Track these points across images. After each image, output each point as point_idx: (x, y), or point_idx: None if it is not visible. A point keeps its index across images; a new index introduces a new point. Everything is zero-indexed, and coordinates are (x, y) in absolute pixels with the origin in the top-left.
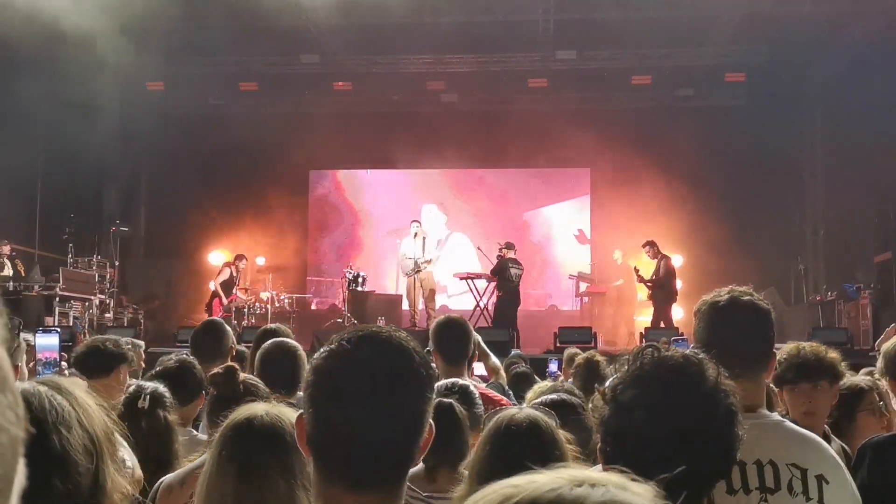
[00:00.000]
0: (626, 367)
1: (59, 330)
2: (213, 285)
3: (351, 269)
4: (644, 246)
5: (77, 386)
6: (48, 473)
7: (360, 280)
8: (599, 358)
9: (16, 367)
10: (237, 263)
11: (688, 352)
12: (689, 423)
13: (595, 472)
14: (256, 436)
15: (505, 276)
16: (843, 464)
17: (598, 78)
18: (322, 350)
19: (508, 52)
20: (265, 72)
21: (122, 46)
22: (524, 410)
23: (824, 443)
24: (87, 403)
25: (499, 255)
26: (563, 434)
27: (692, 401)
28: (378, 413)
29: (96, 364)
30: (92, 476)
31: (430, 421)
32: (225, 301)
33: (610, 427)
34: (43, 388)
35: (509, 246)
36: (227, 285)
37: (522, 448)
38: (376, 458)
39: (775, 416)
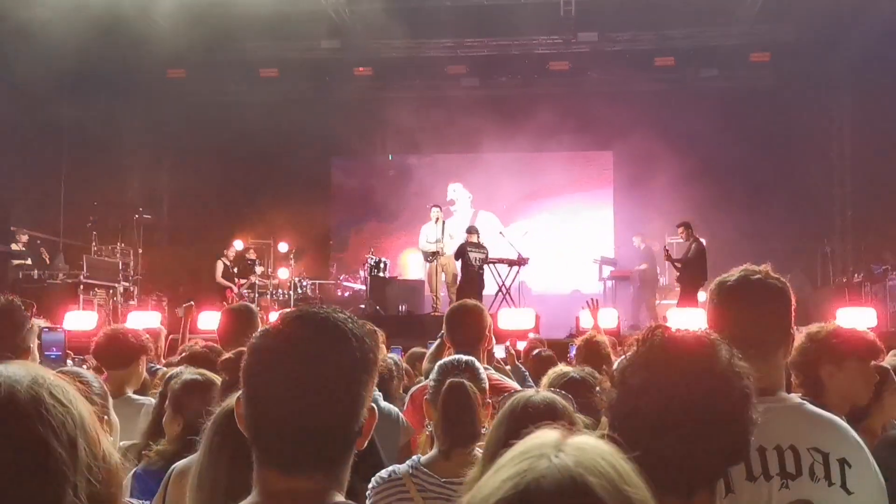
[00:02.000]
0: (636, 348)
1: (63, 330)
2: (218, 281)
3: (372, 254)
4: (678, 227)
5: (53, 375)
6: (26, 462)
7: (381, 266)
8: (600, 338)
9: (28, 349)
10: (227, 253)
11: (699, 332)
12: (701, 406)
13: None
14: None
15: (465, 262)
16: (865, 446)
17: (621, 59)
18: (260, 329)
19: (529, 35)
20: (286, 58)
21: (144, 33)
22: (540, 393)
23: (846, 425)
24: (64, 385)
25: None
26: (580, 417)
27: (704, 383)
28: (308, 394)
29: (116, 356)
30: (71, 455)
31: (373, 405)
32: (235, 290)
33: (618, 411)
34: (15, 368)
35: (471, 230)
36: (228, 276)
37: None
38: (308, 441)
39: (794, 398)
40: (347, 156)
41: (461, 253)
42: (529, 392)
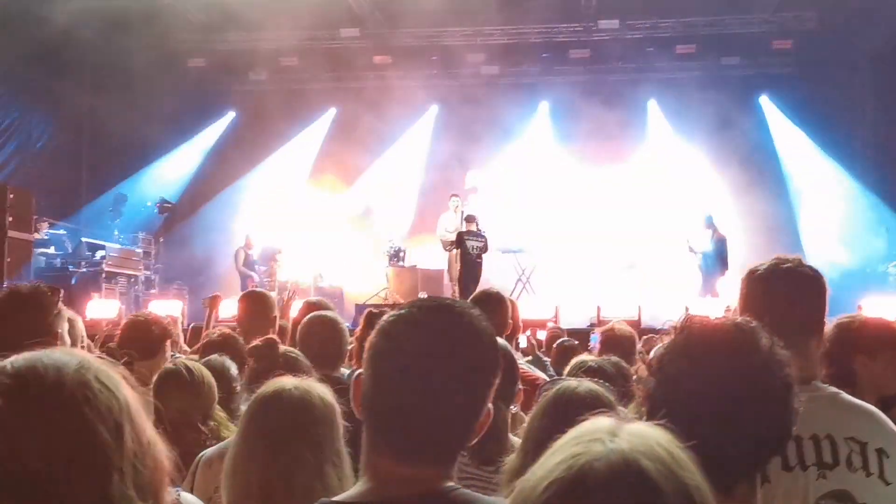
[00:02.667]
0: (673, 336)
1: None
2: (238, 269)
3: (392, 243)
4: (701, 218)
5: (96, 359)
6: (74, 431)
7: (400, 255)
8: (623, 328)
9: (57, 334)
10: (247, 242)
11: (739, 320)
12: (742, 395)
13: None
14: (284, 410)
15: (463, 250)
16: None
17: (642, 47)
18: (391, 313)
19: (550, 23)
20: (305, 46)
21: (164, 23)
22: (584, 383)
23: (883, 415)
24: (108, 369)
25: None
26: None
27: (744, 372)
28: (439, 386)
29: (143, 346)
30: (118, 437)
31: (490, 405)
32: (256, 279)
33: (657, 400)
34: (59, 353)
35: (469, 219)
36: (249, 265)
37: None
38: (430, 433)
39: (831, 388)
40: (366, 144)
41: (459, 241)
42: (572, 383)
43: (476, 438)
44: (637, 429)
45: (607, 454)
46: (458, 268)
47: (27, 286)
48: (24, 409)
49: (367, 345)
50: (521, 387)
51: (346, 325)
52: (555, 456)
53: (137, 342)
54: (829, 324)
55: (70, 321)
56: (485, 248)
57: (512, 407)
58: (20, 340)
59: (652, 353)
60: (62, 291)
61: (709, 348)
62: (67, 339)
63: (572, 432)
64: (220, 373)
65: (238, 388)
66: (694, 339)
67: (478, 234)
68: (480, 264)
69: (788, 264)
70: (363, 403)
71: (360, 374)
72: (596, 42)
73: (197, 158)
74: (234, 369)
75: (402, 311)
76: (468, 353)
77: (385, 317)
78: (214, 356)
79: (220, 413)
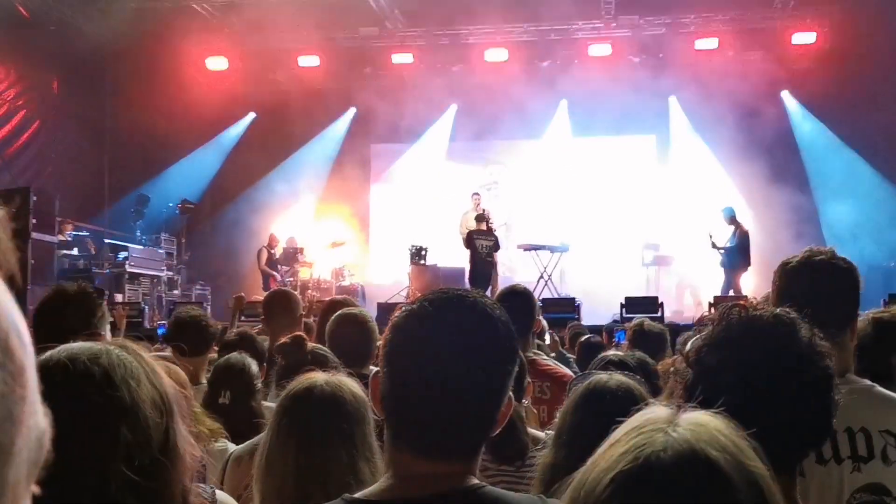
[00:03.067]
0: (711, 327)
1: None
2: (261, 269)
3: (414, 242)
4: (721, 212)
5: (143, 349)
6: (117, 424)
7: (422, 253)
8: (651, 324)
9: (100, 335)
10: (271, 242)
11: (779, 311)
12: (782, 387)
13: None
14: (316, 405)
15: (473, 249)
16: None
17: (662, 43)
18: (404, 308)
19: (569, 20)
20: (325, 45)
21: (184, 24)
22: (614, 377)
23: None
24: (154, 364)
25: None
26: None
27: (785, 363)
28: (457, 379)
29: (196, 344)
30: (162, 432)
31: (511, 394)
32: (279, 278)
33: (695, 392)
34: (110, 347)
35: (479, 218)
36: (272, 265)
37: (615, 415)
38: (450, 427)
39: (865, 381)
40: (387, 142)
41: (469, 241)
42: (603, 376)
43: (499, 430)
44: (697, 417)
45: (673, 444)
46: (469, 267)
47: (74, 286)
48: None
49: (381, 342)
50: (529, 380)
51: (374, 322)
52: (616, 448)
53: (191, 337)
54: (862, 317)
55: (112, 323)
56: (496, 247)
57: (524, 401)
58: (65, 339)
59: (689, 345)
60: (105, 293)
61: (748, 339)
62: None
63: (631, 422)
64: (239, 371)
65: (258, 385)
66: (733, 329)
67: (488, 234)
68: (492, 263)
69: (822, 256)
70: (382, 402)
71: (377, 372)
72: (616, 38)
73: (218, 159)
74: (254, 367)
75: (414, 306)
76: (484, 343)
77: (397, 312)
78: (234, 354)
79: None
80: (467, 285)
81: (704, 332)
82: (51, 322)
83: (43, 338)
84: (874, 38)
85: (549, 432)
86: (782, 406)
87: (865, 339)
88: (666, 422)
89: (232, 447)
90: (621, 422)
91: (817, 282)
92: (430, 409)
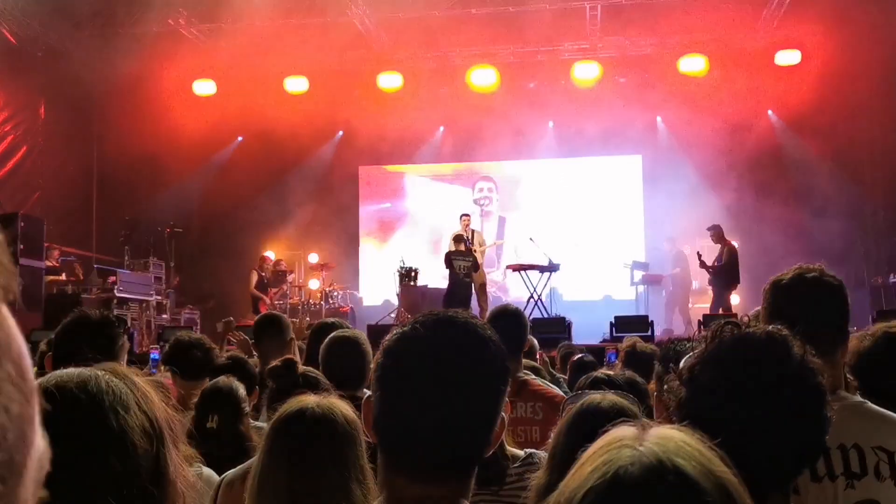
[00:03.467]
0: (704, 345)
1: None
2: (251, 292)
3: (403, 263)
4: (708, 230)
5: (136, 373)
6: (105, 452)
7: (412, 274)
8: (644, 345)
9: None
10: (262, 265)
11: (771, 328)
12: (775, 404)
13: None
14: (308, 428)
15: (451, 270)
16: None
17: (648, 63)
18: (395, 331)
19: (556, 40)
20: (312, 68)
21: (170, 47)
22: (608, 397)
23: None
24: (146, 389)
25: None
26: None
27: (777, 381)
28: (448, 402)
29: (197, 367)
30: (152, 459)
31: (503, 414)
32: (269, 301)
33: (688, 410)
34: (100, 372)
35: (457, 239)
36: (262, 287)
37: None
38: (444, 450)
39: (857, 397)
40: (375, 164)
41: (447, 261)
42: (596, 397)
43: (492, 450)
44: (662, 432)
45: (640, 457)
46: (447, 288)
47: (96, 313)
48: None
49: (373, 366)
50: (507, 399)
51: (368, 344)
52: (585, 466)
53: (193, 360)
54: (865, 337)
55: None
56: (474, 267)
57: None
58: (84, 366)
59: (682, 363)
60: (127, 323)
61: (741, 357)
62: None
63: (598, 442)
64: (228, 394)
65: (246, 409)
66: (726, 347)
67: (466, 254)
68: (470, 284)
69: (813, 274)
70: (375, 426)
71: (369, 396)
72: (602, 58)
73: (206, 182)
74: (242, 391)
75: (405, 329)
76: (475, 364)
77: (388, 336)
78: (222, 378)
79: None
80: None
81: (697, 350)
82: (71, 349)
83: (62, 363)
84: (857, 57)
85: (542, 453)
86: (775, 423)
87: (880, 356)
88: (633, 438)
89: (207, 471)
90: None
91: (808, 299)
92: (423, 433)
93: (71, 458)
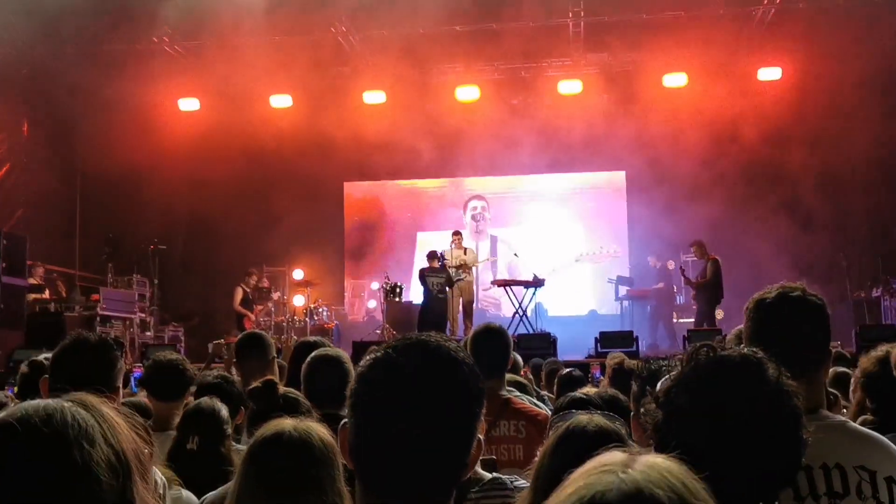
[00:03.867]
0: (680, 368)
1: None
2: (235, 308)
3: (388, 279)
4: (691, 246)
5: (105, 403)
6: (69, 488)
7: (397, 290)
8: (630, 363)
9: (116, 389)
10: (247, 280)
11: (746, 351)
12: (751, 427)
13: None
14: (285, 451)
15: (425, 287)
16: None
17: (631, 79)
18: (368, 357)
19: (539, 57)
20: (297, 85)
21: (154, 65)
22: (594, 419)
23: (890, 443)
24: (114, 420)
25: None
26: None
27: (752, 403)
28: (424, 426)
29: (172, 388)
30: (118, 494)
31: (479, 436)
32: (253, 318)
33: (665, 433)
34: (67, 404)
35: (430, 256)
36: (247, 303)
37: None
38: (422, 473)
39: (838, 417)
40: (360, 180)
41: (421, 278)
42: (582, 419)
43: (470, 472)
44: (650, 460)
45: (619, 484)
46: (422, 304)
47: (94, 335)
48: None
49: (348, 392)
50: (483, 420)
51: (350, 363)
52: (567, 489)
53: (168, 381)
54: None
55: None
56: (448, 283)
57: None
58: (80, 389)
59: (659, 385)
60: (125, 346)
61: (717, 379)
62: (121, 395)
63: (585, 466)
64: (210, 415)
65: (228, 430)
66: (701, 370)
67: (440, 271)
68: (444, 300)
69: (795, 293)
70: (352, 452)
71: (344, 423)
72: (585, 74)
73: (190, 199)
74: (224, 411)
75: (378, 354)
76: (449, 388)
77: (362, 362)
78: (205, 398)
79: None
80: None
81: (674, 373)
82: (68, 371)
83: (58, 386)
84: (837, 73)
85: (510, 478)
86: (751, 445)
87: (872, 379)
88: (619, 464)
89: (186, 494)
90: None
91: (792, 320)
92: (399, 458)
93: (34, 494)
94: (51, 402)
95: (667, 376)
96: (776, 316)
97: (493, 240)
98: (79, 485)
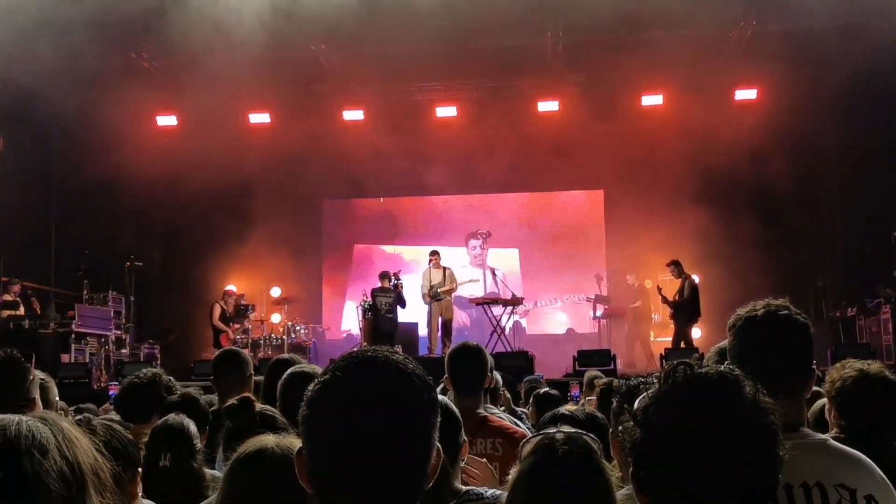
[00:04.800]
0: (658, 385)
1: None
2: (214, 324)
3: (366, 297)
4: (668, 265)
5: (66, 420)
6: (17, 496)
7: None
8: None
9: (32, 400)
10: (225, 298)
11: (723, 368)
12: (727, 445)
13: None
14: (267, 469)
15: (374, 306)
16: (890, 483)
17: (609, 98)
18: (317, 380)
19: (518, 76)
20: (275, 102)
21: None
22: (563, 446)
23: (871, 461)
24: (73, 435)
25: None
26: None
27: (729, 421)
28: (379, 444)
29: (143, 408)
30: (69, 503)
31: (437, 445)
32: (231, 335)
33: (642, 451)
34: (25, 418)
35: (381, 276)
36: (224, 321)
37: (566, 480)
38: (382, 490)
39: (819, 434)
40: (338, 199)
41: (371, 297)
42: (551, 441)
43: (431, 482)
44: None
45: None
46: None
47: (1, 353)
48: None
49: (300, 418)
50: (464, 438)
51: None
52: None
53: (139, 402)
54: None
55: (43, 386)
56: (397, 303)
57: (462, 461)
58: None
59: (636, 403)
60: (34, 356)
61: (693, 398)
62: (40, 405)
63: None
64: (178, 432)
65: (198, 445)
66: (678, 388)
67: (388, 290)
68: (393, 319)
69: (784, 311)
70: (310, 478)
71: (301, 449)
72: (564, 93)
73: (168, 215)
74: (193, 427)
75: (326, 377)
76: (401, 399)
77: (311, 385)
78: (172, 415)
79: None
80: (423, 339)
81: (650, 391)
82: None
83: None
84: (811, 94)
85: (482, 490)
86: (728, 463)
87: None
88: None
89: None
90: (571, 489)
91: (779, 337)
92: (359, 476)
93: None
94: (7, 416)
95: (644, 394)
96: (764, 334)
97: (493, 273)
98: (27, 492)
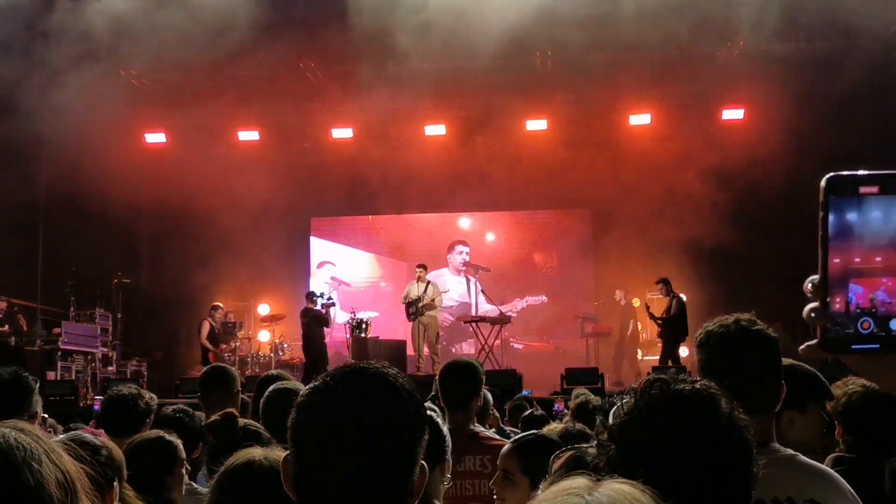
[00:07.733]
0: (633, 401)
1: None
2: (202, 342)
3: (354, 315)
4: (657, 283)
5: (37, 429)
6: None
7: (363, 326)
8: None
9: (34, 416)
10: (213, 314)
11: (698, 385)
12: (703, 460)
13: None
14: (254, 481)
15: (302, 326)
16: (858, 498)
17: (598, 117)
18: (306, 388)
19: (507, 96)
20: (265, 120)
21: (123, 96)
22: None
23: (839, 476)
24: (52, 443)
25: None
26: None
27: (705, 437)
28: (365, 455)
29: (126, 423)
30: None
31: (423, 462)
32: (218, 352)
33: (617, 467)
34: (6, 429)
35: (308, 296)
36: (213, 338)
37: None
38: (366, 501)
39: (788, 450)
40: (327, 216)
41: (302, 316)
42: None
43: (415, 500)
44: (615, 485)
45: None
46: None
47: (8, 371)
48: None
49: (288, 423)
50: (449, 459)
51: None
52: None
53: (121, 416)
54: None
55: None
56: (324, 322)
57: (448, 475)
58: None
59: (611, 418)
60: (38, 382)
61: (668, 413)
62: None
63: (550, 489)
64: (159, 449)
65: (179, 459)
66: (654, 403)
67: (317, 311)
68: (317, 335)
69: (756, 327)
70: (295, 485)
71: (287, 456)
72: (552, 113)
73: (155, 233)
74: (170, 438)
75: (317, 384)
76: (389, 412)
77: (301, 392)
78: (152, 430)
79: (128, 491)
80: (412, 356)
81: (627, 406)
82: None
83: None
84: (798, 115)
85: None
86: (702, 479)
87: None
88: (586, 488)
89: None
90: None
91: (749, 352)
92: (341, 487)
93: None
94: None
95: (619, 406)
96: (734, 349)
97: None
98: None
